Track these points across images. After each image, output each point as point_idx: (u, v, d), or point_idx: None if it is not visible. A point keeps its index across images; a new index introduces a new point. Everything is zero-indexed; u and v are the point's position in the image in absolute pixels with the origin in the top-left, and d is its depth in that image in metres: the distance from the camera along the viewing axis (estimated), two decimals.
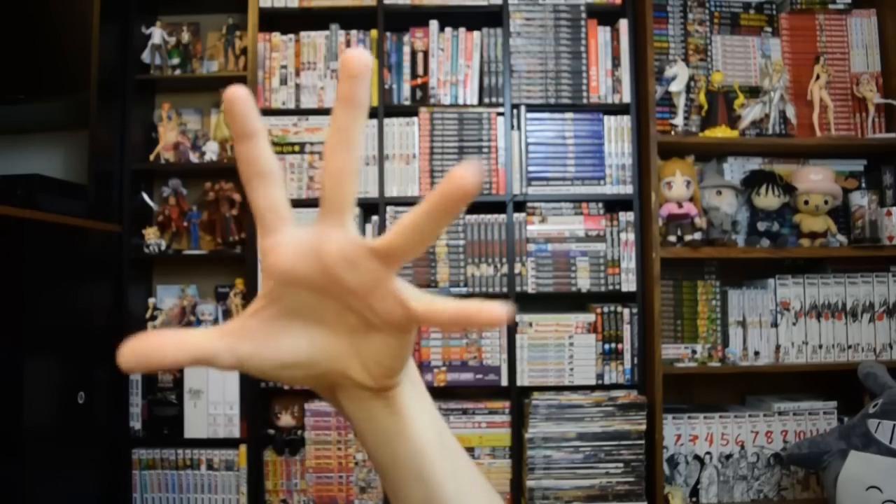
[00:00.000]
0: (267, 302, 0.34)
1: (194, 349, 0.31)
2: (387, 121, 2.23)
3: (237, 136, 0.32)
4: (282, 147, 2.24)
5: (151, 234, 2.32)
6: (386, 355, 0.34)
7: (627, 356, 2.18)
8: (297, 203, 2.22)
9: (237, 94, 0.31)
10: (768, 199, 2.23)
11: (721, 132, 2.23)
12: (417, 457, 0.37)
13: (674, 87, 2.25)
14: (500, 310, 0.30)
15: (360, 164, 0.33)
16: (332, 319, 0.34)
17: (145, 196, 2.42)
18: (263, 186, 0.33)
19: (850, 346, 2.22)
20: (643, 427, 2.10)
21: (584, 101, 2.24)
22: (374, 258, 0.32)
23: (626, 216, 2.21)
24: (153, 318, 2.32)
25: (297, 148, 2.24)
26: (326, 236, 0.32)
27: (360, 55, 0.31)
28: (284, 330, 0.34)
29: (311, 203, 2.22)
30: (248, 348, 0.33)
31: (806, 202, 2.24)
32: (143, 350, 0.30)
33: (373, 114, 2.24)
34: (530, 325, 2.18)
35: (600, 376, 2.18)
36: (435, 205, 0.30)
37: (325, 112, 2.24)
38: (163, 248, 2.34)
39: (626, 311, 2.19)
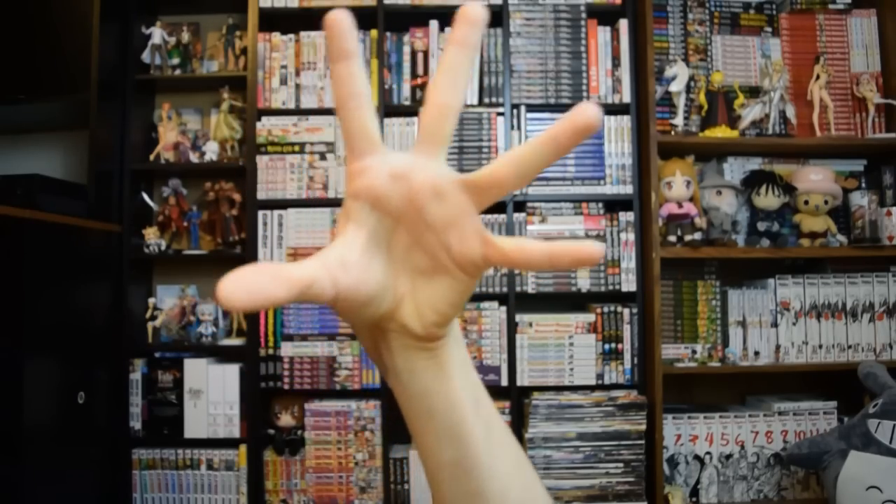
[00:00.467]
0: (355, 228, 0.33)
1: (300, 282, 0.29)
2: (387, 121, 2.23)
3: (334, 56, 0.32)
4: (282, 147, 2.24)
5: (151, 234, 2.32)
6: (444, 301, 0.34)
7: (627, 356, 2.18)
8: (298, 203, 2.22)
9: (338, 16, 0.32)
10: (768, 199, 2.23)
11: (721, 132, 2.23)
12: (453, 414, 0.37)
13: (674, 87, 2.25)
14: (591, 247, 0.30)
15: (462, 104, 0.33)
16: (399, 255, 0.34)
17: (145, 196, 2.42)
18: (356, 108, 0.33)
19: (850, 346, 2.22)
20: (643, 427, 2.10)
21: (585, 101, 2.24)
22: (464, 191, 0.32)
23: (626, 216, 2.21)
24: (153, 318, 2.32)
25: (297, 148, 2.24)
26: (418, 165, 0.33)
27: (479, 8, 0.32)
28: (373, 259, 0.33)
29: (312, 203, 2.22)
30: (348, 281, 0.32)
31: (806, 202, 2.24)
32: (250, 282, 0.27)
33: None
34: (530, 325, 2.18)
35: (600, 376, 2.18)
36: (553, 137, 0.30)
37: (325, 112, 2.24)
38: (163, 248, 2.34)
39: (626, 311, 2.19)
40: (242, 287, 0.27)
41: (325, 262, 0.31)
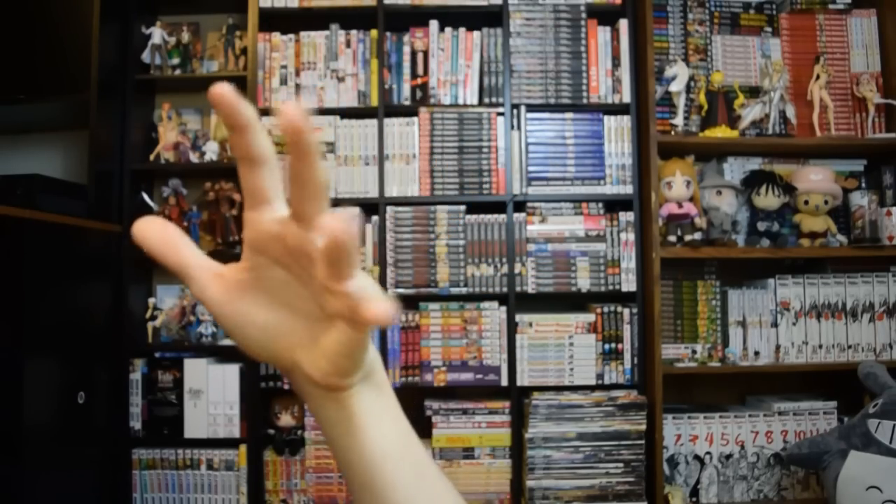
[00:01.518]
0: (246, 266, 0.35)
1: (182, 261, 0.34)
2: (387, 121, 2.23)
3: (229, 128, 0.33)
4: (282, 147, 2.23)
5: None
6: (336, 352, 0.34)
7: (627, 356, 2.18)
8: None
9: (220, 91, 0.31)
10: (768, 199, 2.23)
11: (721, 132, 2.23)
12: (371, 464, 0.36)
13: (674, 87, 2.25)
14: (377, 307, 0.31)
15: (325, 187, 0.33)
16: (298, 305, 0.35)
17: (145, 196, 2.41)
18: (254, 171, 0.34)
19: (850, 346, 2.22)
20: (643, 427, 2.10)
21: (584, 101, 2.24)
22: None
23: (626, 216, 2.21)
24: (153, 318, 2.32)
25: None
26: (294, 230, 0.33)
27: (293, 112, 0.31)
28: (249, 295, 0.35)
29: None
30: (213, 294, 0.35)
31: (806, 202, 2.24)
32: (153, 231, 0.33)
33: (373, 114, 2.24)
34: (530, 325, 2.18)
35: (600, 376, 2.18)
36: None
37: (325, 112, 2.24)
38: None
39: (626, 311, 2.19)
40: (148, 231, 0.33)
41: (209, 267, 0.35)
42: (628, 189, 2.23)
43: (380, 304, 0.30)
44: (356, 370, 0.35)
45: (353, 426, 0.36)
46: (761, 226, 2.24)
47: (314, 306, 0.34)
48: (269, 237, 0.34)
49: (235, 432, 2.21)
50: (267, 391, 2.21)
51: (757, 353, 2.22)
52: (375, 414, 0.37)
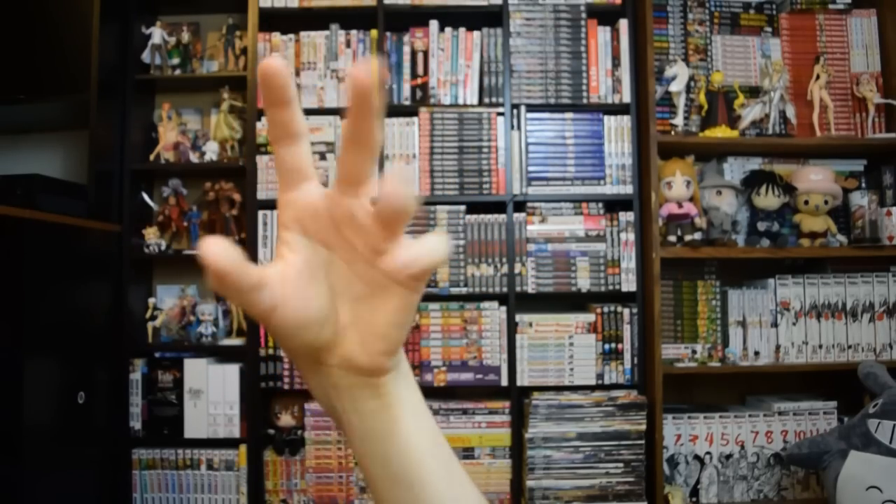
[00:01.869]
0: (290, 252, 0.33)
1: (256, 276, 0.30)
2: (387, 121, 2.23)
3: (272, 104, 0.32)
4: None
5: (151, 234, 2.32)
6: (388, 324, 0.33)
7: (627, 356, 2.18)
8: None
9: (274, 65, 0.31)
10: (768, 199, 2.23)
11: (721, 132, 2.23)
12: (407, 457, 0.35)
13: (674, 87, 2.25)
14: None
15: (375, 156, 0.33)
16: (338, 284, 0.34)
17: (145, 196, 2.42)
18: (292, 147, 0.33)
19: (850, 346, 2.22)
20: (643, 427, 2.10)
21: (584, 101, 2.24)
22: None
23: (626, 216, 2.21)
24: (153, 318, 2.32)
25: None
26: (340, 199, 0.33)
27: (363, 74, 0.30)
28: (308, 284, 0.33)
29: None
30: (285, 296, 0.32)
31: (806, 202, 2.24)
32: (231, 255, 0.29)
33: None
34: (530, 325, 2.18)
35: (600, 376, 2.18)
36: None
37: (325, 112, 2.24)
38: (163, 248, 2.34)
39: (626, 311, 2.19)
40: (228, 253, 0.28)
41: (270, 268, 0.32)
42: (628, 189, 2.23)
43: (436, 240, 0.31)
44: (398, 350, 0.34)
45: (391, 417, 0.35)
46: (761, 226, 2.24)
47: (357, 285, 0.33)
48: (312, 213, 0.33)
49: (235, 432, 2.21)
50: (267, 391, 2.21)
51: (757, 353, 2.22)
52: (410, 405, 0.36)
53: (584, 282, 2.20)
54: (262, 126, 2.24)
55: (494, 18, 2.26)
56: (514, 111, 2.24)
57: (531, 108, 2.24)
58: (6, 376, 1.72)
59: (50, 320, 1.90)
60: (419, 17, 2.27)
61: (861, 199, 2.24)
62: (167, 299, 2.38)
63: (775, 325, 2.23)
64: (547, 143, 2.24)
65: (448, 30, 2.28)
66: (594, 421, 2.11)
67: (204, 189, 2.37)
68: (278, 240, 0.34)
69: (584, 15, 2.26)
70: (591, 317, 2.19)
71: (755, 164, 2.35)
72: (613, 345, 2.19)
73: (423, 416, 0.37)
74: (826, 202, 2.24)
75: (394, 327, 0.33)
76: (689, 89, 2.30)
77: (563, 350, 2.18)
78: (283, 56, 2.27)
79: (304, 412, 2.18)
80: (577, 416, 2.11)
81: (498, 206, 2.23)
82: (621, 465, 2.10)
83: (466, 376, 2.17)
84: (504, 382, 2.17)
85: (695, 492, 2.22)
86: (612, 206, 2.24)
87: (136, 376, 2.25)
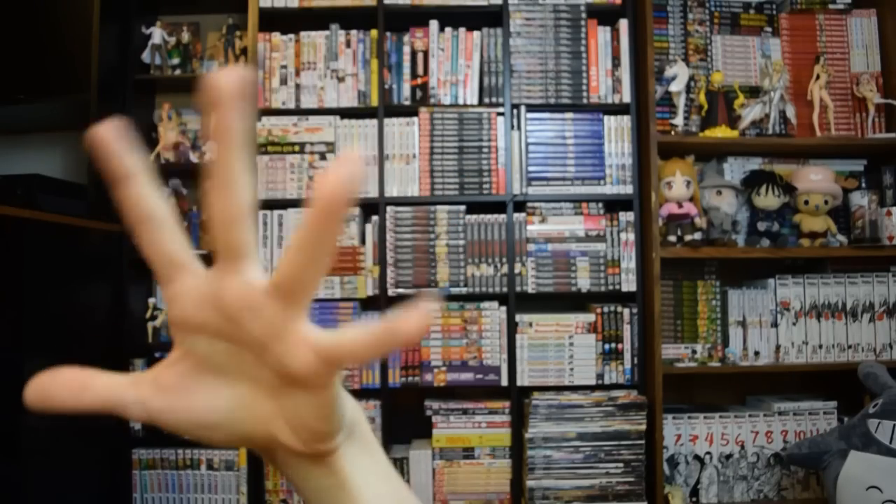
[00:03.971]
0: (181, 354, 0.30)
1: (101, 395, 0.29)
2: (387, 121, 2.23)
3: (112, 178, 0.28)
4: (282, 147, 2.24)
5: None
6: (310, 416, 0.30)
7: (627, 356, 2.18)
8: (298, 203, 2.22)
9: (101, 136, 0.27)
10: (768, 199, 2.23)
11: (721, 132, 2.23)
12: None
13: (674, 87, 2.25)
14: (418, 314, 0.26)
15: (251, 202, 0.28)
16: (254, 374, 0.30)
17: None
18: (152, 233, 0.29)
19: (850, 346, 2.22)
20: (643, 427, 2.10)
21: (584, 101, 2.24)
22: (274, 297, 0.28)
23: (626, 216, 2.21)
24: (153, 318, 2.32)
25: (296, 148, 2.24)
26: (224, 284, 0.29)
27: (222, 79, 0.26)
28: (200, 385, 0.30)
29: None
30: (159, 404, 0.30)
31: (806, 202, 2.24)
32: (47, 388, 0.28)
33: (373, 114, 2.24)
34: (530, 325, 2.18)
35: (600, 376, 2.18)
36: (312, 219, 0.26)
37: (325, 112, 2.24)
38: None
39: (626, 311, 2.19)
40: (41, 390, 0.27)
41: (137, 380, 0.30)
42: (628, 189, 2.23)
43: (413, 313, 0.26)
44: (337, 430, 0.32)
45: (346, 492, 0.33)
46: (761, 226, 2.24)
47: (269, 375, 0.30)
48: (195, 307, 0.29)
49: None
50: None
51: (757, 353, 2.22)
52: (367, 473, 0.34)
53: (584, 282, 2.20)
54: (261, 126, 2.24)
55: (494, 18, 2.26)
56: (514, 111, 2.24)
57: (531, 108, 2.24)
58: (6, 376, 1.72)
59: (50, 320, 1.90)
60: (419, 17, 2.27)
61: (861, 199, 2.24)
62: None
63: (775, 325, 2.23)
64: (547, 143, 2.24)
65: (448, 30, 2.28)
66: (594, 421, 2.11)
67: (204, 189, 2.37)
68: (172, 336, 0.31)
69: (584, 15, 2.26)
70: (591, 317, 2.19)
71: (755, 164, 2.35)
72: (613, 345, 2.19)
73: (383, 480, 0.35)
74: (826, 202, 2.24)
75: (316, 420, 0.30)
76: (689, 89, 2.30)
77: (563, 350, 2.18)
78: (282, 56, 2.27)
79: None
80: (577, 416, 2.11)
81: (498, 206, 2.23)
82: (621, 465, 2.10)
83: (466, 376, 2.17)
84: (504, 382, 2.17)
85: (695, 492, 2.22)
86: (612, 206, 2.24)
87: None
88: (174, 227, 0.29)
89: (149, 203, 0.28)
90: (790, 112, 2.29)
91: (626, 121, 2.24)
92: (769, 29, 2.36)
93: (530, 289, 2.20)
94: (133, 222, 0.29)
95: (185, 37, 2.40)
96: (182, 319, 0.30)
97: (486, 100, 2.25)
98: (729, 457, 2.22)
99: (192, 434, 0.31)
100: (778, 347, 2.22)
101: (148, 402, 0.30)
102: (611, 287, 2.20)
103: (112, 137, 0.27)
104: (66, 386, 0.28)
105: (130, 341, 2.27)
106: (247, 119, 0.27)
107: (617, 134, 2.24)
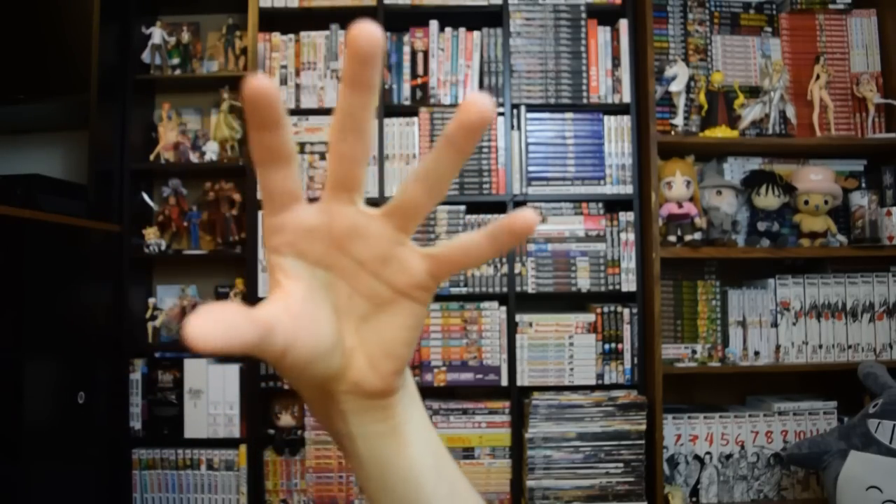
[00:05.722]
0: (290, 280, 0.31)
1: (266, 324, 0.27)
2: (387, 121, 2.23)
3: (258, 127, 0.29)
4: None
5: (151, 234, 2.32)
6: (397, 341, 0.32)
7: (627, 356, 2.18)
8: None
9: (259, 86, 0.27)
10: (768, 199, 2.23)
11: (721, 132, 2.23)
12: (411, 483, 0.35)
13: (674, 87, 2.25)
14: (525, 215, 0.30)
15: (370, 149, 0.31)
16: (343, 306, 0.32)
17: (145, 196, 2.42)
18: (282, 170, 0.30)
19: (850, 346, 2.22)
20: (643, 427, 2.10)
21: (584, 101, 2.24)
22: (385, 222, 0.32)
23: (626, 216, 2.21)
24: (153, 318, 2.32)
25: (296, 148, 2.23)
26: (335, 211, 0.31)
27: (368, 33, 0.27)
28: (319, 311, 0.31)
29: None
30: (296, 332, 0.29)
31: (806, 202, 2.24)
32: (227, 326, 0.24)
33: None
34: (530, 325, 2.18)
35: (600, 376, 2.18)
36: (448, 138, 0.28)
37: (325, 112, 2.24)
38: (163, 248, 2.34)
39: (626, 311, 2.19)
40: (217, 326, 0.24)
41: (269, 312, 0.29)
42: (628, 189, 2.23)
43: (521, 213, 0.30)
44: (408, 360, 0.33)
45: (399, 438, 0.34)
46: (761, 226, 2.24)
47: (359, 303, 0.32)
48: (306, 234, 0.31)
49: (235, 432, 2.21)
50: (267, 391, 2.21)
51: (757, 353, 2.22)
52: (416, 424, 0.35)
53: (584, 282, 2.20)
54: None
55: (494, 18, 2.26)
56: (514, 111, 2.24)
57: (531, 108, 2.24)
58: (6, 376, 1.72)
59: (50, 320, 1.90)
60: (419, 17, 2.27)
61: (861, 199, 2.24)
62: (167, 299, 2.38)
63: (775, 325, 2.23)
64: (547, 143, 2.24)
65: (448, 30, 2.28)
66: (594, 421, 2.11)
67: (204, 189, 2.37)
68: (272, 267, 0.32)
69: (584, 15, 2.26)
70: (591, 317, 2.19)
71: (755, 164, 2.35)
72: (613, 345, 2.19)
73: (428, 432, 0.36)
74: (826, 202, 2.24)
75: (402, 345, 0.32)
76: (689, 89, 2.30)
77: (563, 350, 2.18)
78: (282, 56, 2.27)
79: (304, 412, 2.18)
80: (577, 416, 2.11)
81: (498, 206, 2.23)
82: (621, 465, 2.10)
83: (466, 376, 2.17)
84: (504, 382, 2.17)
85: (695, 492, 2.22)
86: (612, 206, 2.24)
87: (136, 376, 2.25)
88: (297, 166, 0.32)
89: (288, 146, 0.30)
90: (790, 112, 2.29)
91: (626, 121, 2.24)
92: (769, 29, 2.36)
93: (530, 289, 2.20)
94: (264, 160, 0.30)
95: (185, 37, 2.40)
96: (289, 246, 0.31)
97: None
98: (729, 457, 2.22)
99: (299, 371, 0.31)
100: (778, 347, 2.22)
101: (288, 332, 0.29)
102: (611, 287, 2.20)
103: (268, 86, 0.28)
104: (241, 317, 0.25)
105: (130, 341, 2.27)
106: (379, 73, 0.29)
107: (617, 134, 2.24)
